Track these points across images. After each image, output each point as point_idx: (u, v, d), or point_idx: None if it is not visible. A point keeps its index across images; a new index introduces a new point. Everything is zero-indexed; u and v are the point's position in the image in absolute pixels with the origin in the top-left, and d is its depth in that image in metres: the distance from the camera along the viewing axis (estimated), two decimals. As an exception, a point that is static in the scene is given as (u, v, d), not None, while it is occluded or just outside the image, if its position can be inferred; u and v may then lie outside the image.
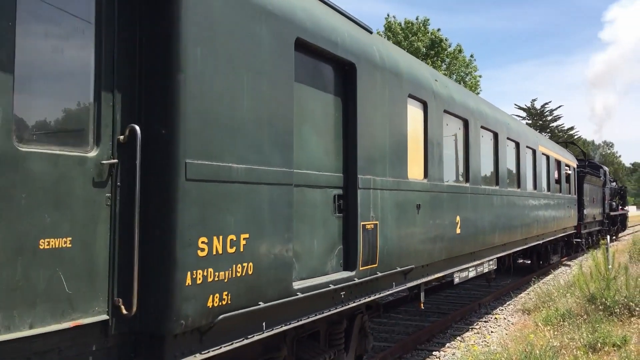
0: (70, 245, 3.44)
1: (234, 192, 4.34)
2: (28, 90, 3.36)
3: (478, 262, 10.21)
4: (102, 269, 3.65)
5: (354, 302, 6.21)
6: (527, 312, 12.34)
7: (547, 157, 16.59)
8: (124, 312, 3.70)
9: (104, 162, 3.68)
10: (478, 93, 44.94)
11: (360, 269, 6.13)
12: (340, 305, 5.94)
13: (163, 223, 3.81)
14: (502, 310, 13.08)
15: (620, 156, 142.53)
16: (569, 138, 70.17)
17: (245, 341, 4.57)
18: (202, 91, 4.05)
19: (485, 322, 11.79)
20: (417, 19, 44.06)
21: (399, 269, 7.03)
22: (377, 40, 7.07)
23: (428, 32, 43.29)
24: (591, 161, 30.24)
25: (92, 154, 3.64)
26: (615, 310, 10.28)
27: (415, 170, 7.63)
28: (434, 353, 9.29)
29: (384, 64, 6.83)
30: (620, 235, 35.95)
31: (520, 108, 74.85)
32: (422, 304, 8.04)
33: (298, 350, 5.90)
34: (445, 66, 43.35)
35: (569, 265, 21.12)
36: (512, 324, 11.51)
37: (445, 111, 8.73)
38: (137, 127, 3.75)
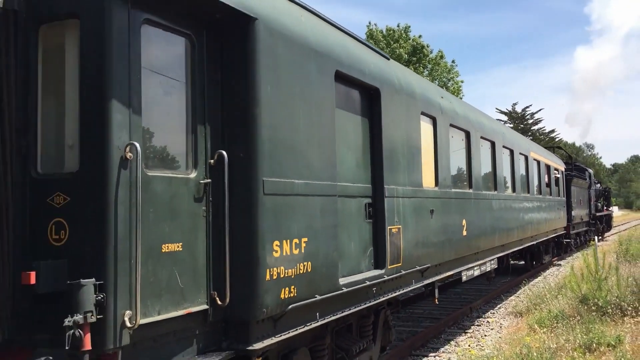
0: (181, 249, 4.31)
1: (296, 203, 5.22)
2: (148, 128, 4.24)
3: (481, 261, 11.15)
4: (202, 267, 4.52)
5: (384, 297, 7.11)
6: (519, 314, 12.40)
7: (538, 162, 17.62)
8: (219, 302, 4.56)
9: (201, 181, 4.55)
10: (461, 98, 44.90)
11: (389, 267, 7.03)
12: (372, 299, 6.83)
13: (247, 230, 4.68)
14: (494, 313, 13.15)
15: (601, 157, 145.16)
16: (550, 141, 71.14)
17: (305, 328, 5.44)
18: (271, 121, 4.94)
19: (478, 325, 11.83)
20: (398, 26, 44.31)
21: (418, 268, 7.94)
22: (395, 66, 8.02)
23: (409, 39, 43.60)
24: (577, 164, 31.43)
25: (192, 175, 4.51)
26: (608, 311, 10.34)
27: (428, 179, 8.56)
28: (429, 358, 9.46)
29: (402, 87, 7.77)
30: (606, 235, 37.14)
31: (502, 112, 75.56)
32: (436, 299, 8.95)
33: (337, 340, 6.76)
34: (427, 72, 43.76)
35: (559, 265, 22.10)
36: (505, 327, 11.56)
37: (451, 125, 9.68)
38: (224, 152, 4.62)
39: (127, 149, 3.88)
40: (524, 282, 15.98)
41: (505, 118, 74.24)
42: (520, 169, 15.04)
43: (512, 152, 14.16)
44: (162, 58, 4.40)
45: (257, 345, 4.72)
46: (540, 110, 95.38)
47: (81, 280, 3.60)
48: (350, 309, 6.29)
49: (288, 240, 5.06)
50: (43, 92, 4.09)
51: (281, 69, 5.11)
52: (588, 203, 30.47)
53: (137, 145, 3.88)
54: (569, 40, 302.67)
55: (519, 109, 76.27)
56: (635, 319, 9.86)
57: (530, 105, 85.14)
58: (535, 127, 75.60)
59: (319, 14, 6.19)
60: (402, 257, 7.39)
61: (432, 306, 13.18)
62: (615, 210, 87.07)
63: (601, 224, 35.31)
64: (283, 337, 5.08)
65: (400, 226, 7.35)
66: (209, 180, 4.61)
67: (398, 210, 7.32)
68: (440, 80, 44.84)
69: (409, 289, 7.90)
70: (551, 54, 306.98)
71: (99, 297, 3.66)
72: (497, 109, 79.06)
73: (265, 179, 4.79)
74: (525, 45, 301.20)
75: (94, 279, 3.67)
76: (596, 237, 15.94)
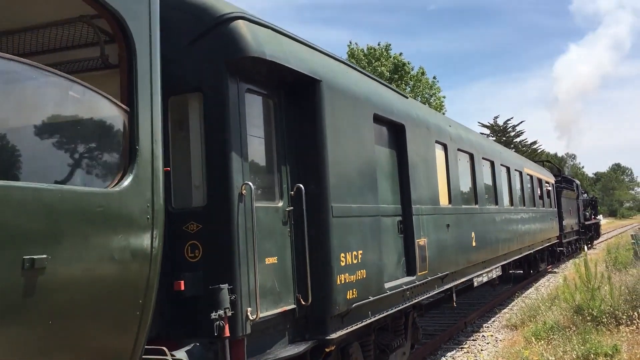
0: (276, 261, 5.63)
1: (353, 223, 6.57)
2: (251, 171, 5.57)
3: (488, 269, 12.51)
4: (290, 275, 5.83)
5: (415, 299, 8.44)
6: (514, 327, 12.42)
7: (531, 177, 19.10)
8: (303, 303, 5.86)
9: (286, 209, 5.88)
10: (443, 113, 44.91)
11: (418, 274, 8.37)
12: (407, 301, 8.15)
13: (322, 245, 6.01)
14: (489, 327, 13.18)
15: (583, 167, 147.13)
16: (533, 152, 71.69)
17: (361, 324, 6.75)
18: (334, 158, 6.29)
19: (473, 340, 11.87)
20: (378, 44, 44.78)
21: (439, 275, 9.28)
22: (413, 103, 9.44)
23: (390, 57, 44.02)
24: (565, 176, 33.02)
25: (280, 204, 5.85)
26: (603, 320, 10.37)
27: (443, 198, 9.93)
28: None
29: (420, 121, 9.17)
30: (595, 242, 38.70)
31: (484, 125, 74.99)
32: (454, 303, 10.28)
33: (377, 337, 8.05)
34: (409, 89, 44.00)
35: (555, 272, 23.51)
36: (501, 340, 11.59)
37: (458, 149, 11.10)
38: (302, 186, 5.96)
39: (243, 187, 5.21)
40: (516, 293, 16.45)
41: (487, 131, 74.35)
42: (517, 184, 16.48)
43: (508, 169, 15.60)
44: (257, 116, 5.75)
45: (333, 336, 6.02)
46: (521, 122, 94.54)
47: (220, 285, 4.90)
48: (392, 309, 7.61)
49: (349, 253, 6.39)
50: (172, 147, 5.42)
51: (338, 117, 6.48)
52: (577, 212, 32.01)
53: (251, 184, 5.22)
54: (546, 53, 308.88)
55: (500, 121, 76.34)
56: (630, 328, 9.95)
57: (512, 118, 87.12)
58: (518, 140, 75.71)
59: (360, 70, 7.60)
60: (428, 265, 8.73)
61: (426, 322, 12.94)
62: (600, 219, 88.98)
63: (590, 232, 36.91)
64: (349, 330, 6.39)
65: (425, 239, 8.70)
66: (292, 207, 5.93)
67: (422, 226, 8.68)
68: (423, 96, 45.09)
69: (433, 293, 9.23)
70: (529, 67, 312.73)
71: (232, 297, 4.96)
72: (479, 122, 78.93)
73: (333, 205, 6.13)
74: (503, 59, 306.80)
75: (227, 284, 4.97)
76: (586, 247, 17.03)
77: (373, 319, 7.00)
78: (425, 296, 8.88)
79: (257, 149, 5.70)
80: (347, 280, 6.27)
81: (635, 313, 10.12)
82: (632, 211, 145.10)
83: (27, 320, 2.91)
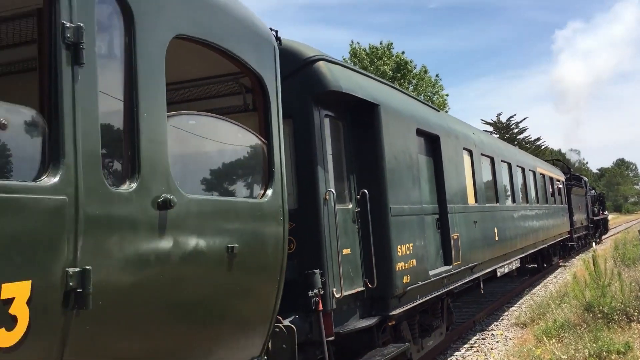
0: (350, 252, 7.00)
1: (405, 220, 7.93)
2: (330, 180, 6.94)
3: (509, 261, 13.85)
4: (359, 263, 7.20)
5: (451, 286, 9.80)
6: (523, 325, 12.34)
7: (543, 176, 20.42)
8: (369, 285, 7.23)
9: (355, 210, 7.26)
10: (446, 111, 44.63)
11: (453, 264, 9.73)
12: (445, 287, 9.51)
13: (384, 239, 7.38)
14: (498, 325, 13.04)
15: (587, 163, 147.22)
16: (537, 149, 71.11)
17: (411, 305, 8.11)
18: (389, 167, 7.65)
19: (483, 339, 11.78)
20: (380, 43, 44.62)
21: (470, 265, 10.63)
22: (445, 116, 10.81)
23: (393, 56, 43.88)
24: (573, 174, 34.28)
25: (350, 206, 7.22)
26: (614, 317, 10.25)
27: (470, 197, 11.28)
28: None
29: (451, 131, 10.54)
30: (603, 237, 39.92)
31: (487, 123, 74.11)
32: (482, 290, 11.63)
33: (420, 318, 9.41)
34: (412, 87, 44.08)
35: (565, 266, 24.78)
36: (510, 339, 11.52)
37: (482, 154, 12.45)
38: (366, 191, 7.32)
39: (326, 194, 6.59)
40: (525, 291, 16.81)
41: (490, 128, 73.01)
42: (531, 183, 17.82)
43: (523, 169, 16.93)
44: (332, 135, 7.13)
45: (393, 312, 7.40)
46: (524, 119, 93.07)
47: (314, 270, 6.27)
48: (434, 293, 8.98)
49: (403, 245, 7.76)
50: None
51: (391, 133, 7.86)
52: (586, 208, 33.27)
53: (333, 191, 6.60)
54: (547, 49, 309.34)
55: (503, 118, 75.41)
56: None
57: (515, 115, 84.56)
58: (521, 136, 74.80)
59: (405, 91, 8.99)
60: (461, 256, 10.09)
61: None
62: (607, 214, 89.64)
63: (598, 227, 38.16)
64: (405, 309, 7.76)
65: (458, 234, 10.06)
66: (359, 209, 7.31)
67: (455, 222, 10.03)
68: (425, 94, 44.84)
69: (465, 281, 10.59)
70: (531, 64, 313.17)
71: (322, 280, 6.33)
72: (482, 119, 77.26)
73: (391, 206, 7.50)
74: (506, 56, 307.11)
75: (318, 270, 6.35)
76: (594, 243, 17.63)
77: (421, 301, 8.37)
78: (460, 283, 10.25)
79: (333, 162, 7.08)
80: (402, 268, 7.64)
81: None
82: (637, 206, 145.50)
83: (229, 290, 4.32)
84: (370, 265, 7.26)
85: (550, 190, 21.66)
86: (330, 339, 6.34)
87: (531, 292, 16.57)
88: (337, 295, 6.50)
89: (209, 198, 4.45)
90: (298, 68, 6.60)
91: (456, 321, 12.83)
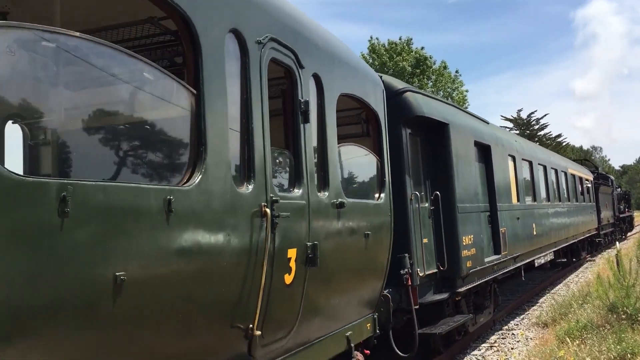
0: (427, 242, 8.88)
1: (468, 216, 9.78)
2: (413, 184, 8.81)
3: (544, 253, 15.61)
4: (433, 250, 9.08)
5: (500, 272, 11.62)
6: (544, 325, 12.17)
7: (574, 176, 22.06)
8: (441, 268, 9.10)
9: (430, 208, 9.13)
10: (466, 107, 44.19)
11: (502, 253, 11.55)
12: (495, 273, 11.34)
13: (453, 231, 9.23)
14: (518, 324, 12.89)
15: (609, 160, 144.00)
16: (557, 145, 69.98)
17: (472, 285, 9.96)
18: (457, 173, 9.50)
19: (503, 338, 11.64)
20: (400, 39, 44.32)
21: (513, 255, 12.44)
22: (493, 127, 12.62)
23: (412, 51, 43.56)
24: (600, 173, 35.68)
25: (426, 205, 9.09)
26: (638, 319, 10.04)
27: (514, 197, 13.08)
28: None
29: (498, 140, 12.35)
30: (628, 234, 41.22)
31: (507, 119, 73.39)
32: (522, 277, 13.42)
33: (474, 298, 11.25)
34: (431, 83, 43.73)
35: (592, 261, 26.30)
36: (531, 339, 11.35)
37: (522, 159, 14.22)
38: (439, 193, 9.18)
39: (412, 195, 8.47)
40: (546, 289, 16.92)
41: (510, 125, 71.80)
42: (563, 183, 19.50)
43: (556, 170, 18.63)
44: (413, 149, 9.00)
45: (459, 290, 9.27)
46: (545, 115, 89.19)
47: (404, 254, 8.15)
48: (487, 277, 10.82)
49: (466, 236, 9.62)
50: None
51: (457, 146, 9.70)
52: (612, 206, 34.66)
53: (417, 193, 8.47)
54: (567, 45, 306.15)
55: (524, 115, 73.85)
56: None
57: (536, 111, 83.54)
58: (542, 133, 73.42)
59: (465, 110, 10.82)
60: (507, 247, 11.91)
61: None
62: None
63: (624, 224, 39.50)
64: (467, 287, 9.62)
65: (505, 228, 11.87)
66: (433, 207, 9.18)
67: (503, 218, 11.85)
68: (445, 90, 44.55)
69: (510, 268, 12.41)
70: (551, 60, 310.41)
71: (410, 262, 8.21)
72: (502, 116, 74.95)
73: (458, 205, 9.36)
74: (526, 51, 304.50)
75: (406, 254, 8.23)
76: (617, 243, 17.41)
77: (478, 282, 10.23)
78: (506, 270, 12.07)
79: (414, 170, 8.96)
80: (466, 254, 9.50)
81: None
82: None
83: (364, 262, 6.25)
84: (442, 252, 9.14)
85: (580, 189, 23.26)
86: (416, 307, 8.23)
87: (552, 291, 16.60)
88: (420, 274, 8.39)
89: (358, 201, 6.37)
90: (390, 97, 8.47)
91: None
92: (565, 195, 19.74)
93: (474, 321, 10.79)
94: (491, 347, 10.88)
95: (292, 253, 4.75)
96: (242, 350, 4.30)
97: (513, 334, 11.91)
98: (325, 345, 5.70)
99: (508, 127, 68.08)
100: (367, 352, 6.83)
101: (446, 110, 9.77)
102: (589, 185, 25.84)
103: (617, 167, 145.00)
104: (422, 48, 44.05)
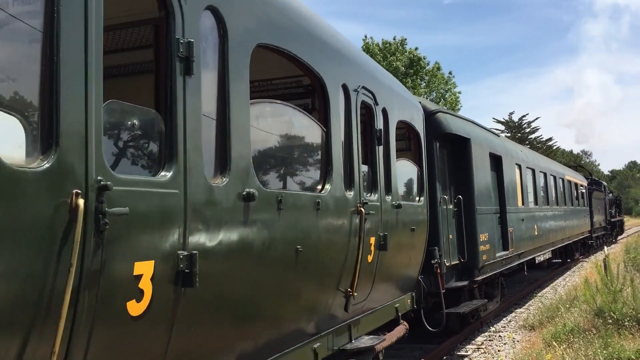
0: (452, 237, 10.60)
1: (484, 217, 11.51)
2: (442, 189, 10.52)
3: (544, 252, 17.37)
4: (455, 244, 10.79)
5: (507, 266, 13.36)
6: (531, 328, 12.25)
7: (570, 182, 23.84)
8: (462, 260, 10.82)
9: (454, 209, 10.85)
10: (458, 109, 45.34)
11: (509, 250, 13.28)
12: (503, 267, 13.07)
13: (473, 229, 10.96)
14: (505, 327, 13.00)
15: (599, 165, 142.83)
16: (548, 149, 71.16)
17: (486, 275, 11.68)
18: (476, 180, 11.21)
19: (490, 340, 11.70)
20: (394, 39, 44.28)
21: (519, 252, 14.18)
22: (503, 139, 14.38)
23: (406, 52, 43.64)
24: (594, 179, 37.56)
25: (451, 207, 10.81)
26: (625, 324, 10.08)
27: (519, 201, 14.82)
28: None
29: (508, 151, 14.08)
30: (618, 238, 43.15)
31: (499, 122, 74.17)
32: (525, 272, 15.16)
33: (485, 288, 12.96)
34: (424, 84, 43.94)
35: (586, 261, 28.09)
36: (518, 341, 11.41)
37: (527, 167, 15.96)
38: (461, 197, 10.89)
39: (441, 199, 10.18)
40: (534, 292, 17.34)
41: (502, 127, 72.57)
42: (560, 188, 21.28)
43: (554, 177, 20.40)
44: (441, 159, 10.70)
45: (477, 279, 11.00)
46: (537, 119, 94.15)
47: (435, 247, 9.85)
48: (498, 269, 12.55)
49: (483, 234, 11.34)
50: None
51: (477, 157, 11.42)
52: (604, 210, 36.53)
53: (445, 197, 10.19)
54: (562, 49, 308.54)
55: (515, 118, 75.05)
56: None
57: (527, 114, 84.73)
58: (533, 136, 74.63)
59: (482, 126, 12.55)
60: (514, 245, 13.64)
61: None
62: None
63: (615, 228, 41.44)
64: (483, 277, 11.35)
65: (512, 228, 13.60)
66: (456, 209, 10.89)
67: (511, 220, 13.58)
68: (438, 91, 44.80)
69: (516, 263, 14.15)
70: (545, 63, 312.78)
71: (439, 253, 9.91)
72: (494, 118, 76.53)
73: (477, 207, 11.08)
74: (519, 54, 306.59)
75: (436, 247, 9.92)
76: (605, 248, 18.06)
77: (491, 273, 11.96)
78: (513, 264, 13.80)
79: (442, 178, 10.67)
80: (482, 249, 11.22)
81: None
82: None
83: (410, 251, 7.96)
84: (463, 246, 10.85)
85: (575, 194, 25.05)
86: (443, 291, 9.93)
87: (539, 294, 16.90)
88: (447, 264, 10.10)
89: (408, 203, 8.07)
90: (426, 117, 10.16)
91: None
92: (562, 200, 21.53)
93: (485, 307, 12.52)
94: (478, 348, 10.97)
95: (372, 240, 6.44)
96: (342, 306, 6.01)
97: (500, 336, 12.03)
98: (383, 312, 7.44)
99: (499, 130, 67.65)
100: (406, 324, 8.54)
101: (468, 127, 11.51)
102: (584, 190, 27.64)
103: (606, 172, 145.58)
104: (416, 48, 44.42)
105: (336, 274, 5.72)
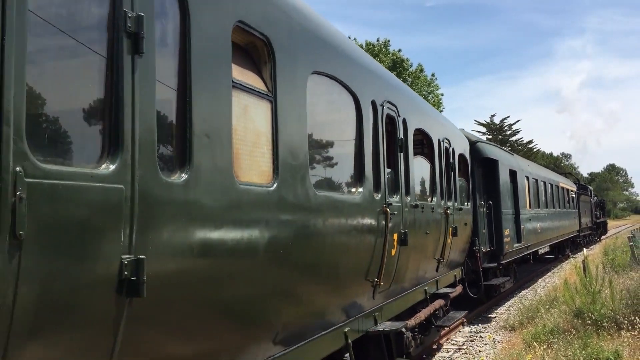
0: (485, 231, 14.62)
1: (506, 217, 15.59)
2: (479, 196, 14.55)
3: (543, 246, 21.50)
4: (487, 236, 14.82)
5: (520, 255, 17.44)
6: (511, 329, 12.47)
7: (562, 188, 28.03)
8: (492, 248, 14.86)
9: (485, 211, 14.88)
10: (441, 111, 44.94)
11: (522, 243, 17.36)
12: (517, 255, 17.13)
13: (499, 226, 15.01)
14: (486, 327, 13.23)
15: (578, 167, 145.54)
16: (529, 151, 72.56)
17: (508, 260, 15.72)
18: (502, 189, 15.25)
19: (471, 341, 11.87)
20: (377, 40, 44.70)
21: (528, 244, 18.27)
22: (517, 157, 18.49)
23: (389, 53, 43.99)
24: (581, 184, 41.90)
25: (484, 209, 14.84)
26: (603, 325, 10.16)
27: (527, 205, 18.90)
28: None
29: (520, 166, 18.19)
30: (602, 237, 47.55)
31: (480, 124, 74.19)
32: (531, 261, 19.23)
33: (502, 270, 16.96)
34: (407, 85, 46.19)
35: (574, 257, 32.17)
36: (499, 342, 11.54)
37: (532, 178, 20.07)
38: (491, 202, 14.93)
39: (478, 204, 14.19)
40: (515, 292, 18.28)
41: (483, 130, 72.57)
42: (555, 194, 25.46)
43: (551, 185, 24.56)
44: (477, 174, 14.72)
45: (502, 262, 15.07)
46: (518, 121, 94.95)
47: (476, 238, 13.83)
48: (514, 257, 16.61)
49: (506, 229, 15.41)
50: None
51: (502, 172, 15.46)
52: (590, 212, 40.86)
53: (482, 202, 14.22)
54: (543, 52, 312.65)
55: (497, 120, 75.37)
56: (632, 333, 9.64)
57: (508, 117, 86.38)
58: (514, 138, 75.00)
59: (504, 148, 16.64)
60: (524, 239, 17.71)
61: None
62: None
63: (599, 228, 45.88)
64: (505, 261, 15.40)
65: (523, 226, 17.68)
66: (487, 211, 14.91)
67: (522, 219, 17.64)
68: (421, 93, 44.63)
69: (525, 253, 18.26)
70: (527, 66, 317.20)
71: (478, 242, 13.90)
72: (475, 120, 77.20)
73: (502, 210, 15.13)
74: (500, 57, 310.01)
75: (477, 238, 13.91)
76: (585, 249, 19.37)
77: (511, 259, 16.03)
78: (523, 254, 17.89)
79: (478, 189, 14.68)
80: (506, 241, 15.27)
81: (637, 318, 9.97)
82: (626, 212, 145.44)
83: (460, 242, 11.99)
84: (492, 238, 14.88)
85: (567, 198, 29.24)
86: (481, 269, 13.93)
87: (519, 295, 17.67)
88: (483, 250, 14.11)
89: (464, 207, 12.03)
90: (469, 145, 14.13)
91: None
92: (557, 204, 25.70)
93: (503, 285, 16.57)
94: (459, 349, 11.19)
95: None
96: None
97: (481, 336, 12.27)
98: (444, 279, 11.42)
99: (481, 132, 68.65)
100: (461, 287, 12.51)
101: (496, 151, 15.60)
102: (573, 195, 31.84)
103: (585, 175, 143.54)
104: (400, 50, 44.45)
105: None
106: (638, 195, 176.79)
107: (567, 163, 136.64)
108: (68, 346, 2.84)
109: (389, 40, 45.02)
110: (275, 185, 4.66)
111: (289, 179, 4.88)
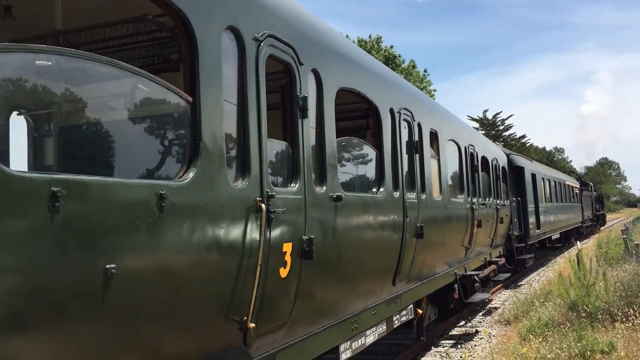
0: (515, 220, 19.77)
1: (530, 209, 20.79)
2: (511, 194, 19.68)
3: (556, 233, 26.66)
4: (517, 224, 19.96)
5: (539, 239, 22.62)
6: (506, 322, 12.37)
7: (568, 185, 33.21)
8: (520, 232, 20.02)
9: (516, 205, 20.03)
10: None
11: (540, 229, 22.50)
12: (537, 239, 22.28)
13: (526, 215, 20.21)
14: (481, 322, 13.13)
15: (571, 161, 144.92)
16: (522, 146, 72.95)
17: (531, 242, 20.87)
18: (527, 189, 20.39)
19: (467, 335, 11.76)
20: (370, 36, 44.65)
21: (545, 230, 23.43)
22: (536, 163, 23.70)
23: (381, 50, 43.87)
24: (583, 181, 47.04)
25: (515, 204, 19.98)
26: (598, 317, 10.15)
27: (543, 200, 24.03)
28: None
29: (537, 170, 23.37)
30: (601, 228, 52.61)
31: (473, 119, 73.23)
32: (547, 244, 24.40)
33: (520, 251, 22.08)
34: None
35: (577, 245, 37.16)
36: (494, 336, 11.46)
37: (546, 178, 25.23)
38: (519, 198, 20.07)
39: (511, 200, 19.33)
40: (510, 286, 19.03)
41: (476, 125, 71.08)
42: (563, 191, 30.64)
43: (560, 184, 29.74)
44: (510, 179, 19.85)
45: (529, 242, 20.28)
46: (510, 116, 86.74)
47: (510, 224, 18.95)
48: (535, 240, 21.77)
49: (530, 218, 20.60)
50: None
51: (527, 176, 20.64)
52: (591, 206, 45.98)
53: (514, 198, 19.39)
54: (535, 47, 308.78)
55: (489, 115, 74.47)
56: (626, 324, 9.61)
57: (501, 112, 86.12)
58: (507, 133, 74.82)
59: (527, 157, 21.83)
60: (542, 227, 22.84)
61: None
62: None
63: (599, 220, 51.11)
64: (530, 242, 20.57)
65: (541, 217, 22.81)
66: (517, 205, 20.05)
67: (540, 211, 22.76)
68: None
69: (542, 238, 23.42)
70: (518, 62, 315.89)
71: (512, 228, 19.01)
72: (468, 116, 73.62)
73: (528, 205, 20.30)
74: (492, 53, 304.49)
75: (511, 225, 19.03)
76: (578, 243, 21.48)
77: (534, 241, 21.19)
78: (542, 238, 23.08)
79: (511, 189, 19.79)
80: (531, 227, 20.42)
81: (631, 310, 9.95)
82: (619, 205, 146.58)
83: (503, 230, 17.20)
84: (521, 225, 20.02)
85: (571, 194, 34.40)
86: (515, 247, 19.04)
87: (514, 289, 18.04)
88: (516, 234, 19.26)
89: (505, 203, 17.15)
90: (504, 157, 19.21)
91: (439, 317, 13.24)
92: (565, 199, 30.88)
93: (529, 261, 21.65)
94: (455, 344, 11.18)
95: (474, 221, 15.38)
96: (463, 254, 14.32)
97: (477, 330, 12.27)
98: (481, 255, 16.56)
99: (474, 127, 62.94)
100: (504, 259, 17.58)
101: (522, 160, 20.82)
102: (577, 191, 36.99)
103: (578, 169, 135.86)
104: (392, 47, 44.48)
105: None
106: (631, 189, 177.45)
107: (560, 157, 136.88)
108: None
109: (381, 37, 44.93)
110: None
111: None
